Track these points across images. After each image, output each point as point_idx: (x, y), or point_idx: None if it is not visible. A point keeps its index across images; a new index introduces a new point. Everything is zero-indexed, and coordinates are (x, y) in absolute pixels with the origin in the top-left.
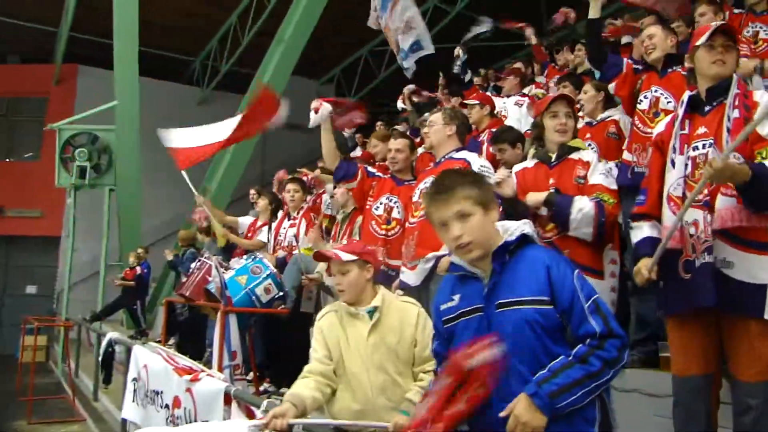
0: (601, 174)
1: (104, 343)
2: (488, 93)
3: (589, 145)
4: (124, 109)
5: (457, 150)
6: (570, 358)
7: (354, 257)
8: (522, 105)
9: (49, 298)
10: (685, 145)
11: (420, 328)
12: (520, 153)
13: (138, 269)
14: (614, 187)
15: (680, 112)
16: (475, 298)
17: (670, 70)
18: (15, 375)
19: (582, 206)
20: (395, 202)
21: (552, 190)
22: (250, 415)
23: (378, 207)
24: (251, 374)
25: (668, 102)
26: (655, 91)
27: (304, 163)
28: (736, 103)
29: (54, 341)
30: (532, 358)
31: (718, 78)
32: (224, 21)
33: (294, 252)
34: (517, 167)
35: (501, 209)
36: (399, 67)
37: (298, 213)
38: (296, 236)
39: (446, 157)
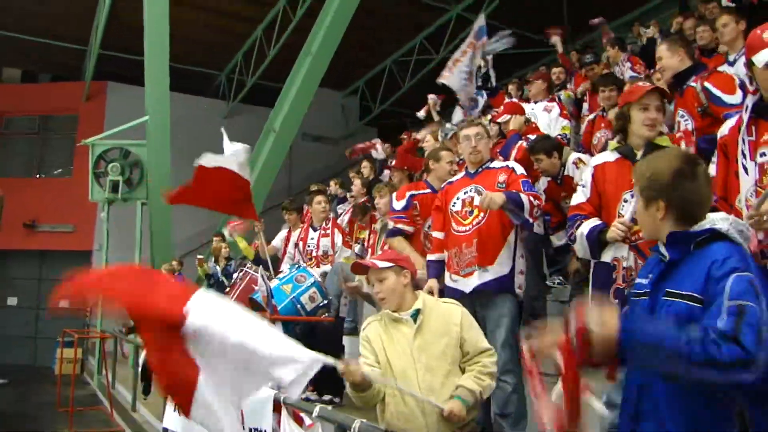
0: None
1: (143, 354)
2: (514, 100)
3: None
4: (155, 123)
5: (491, 160)
6: (682, 332)
7: (390, 264)
8: (551, 111)
9: (81, 312)
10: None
11: (466, 327)
12: (558, 162)
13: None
14: None
15: (745, 117)
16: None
17: (684, 86)
18: (51, 387)
19: None
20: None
21: None
22: (299, 422)
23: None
24: None
25: (686, 122)
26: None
27: (330, 175)
28: None
29: (88, 354)
30: None
31: None
32: (249, 35)
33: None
34: (595, 160)
35: None
36: (423, 77)
37: (326, 223)
38: (332, 245)
39: (484, 167)
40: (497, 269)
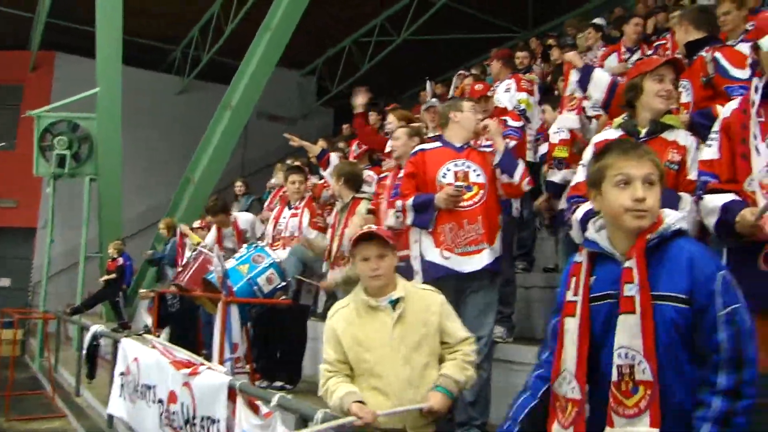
0: None
1: (89, 336)
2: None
3: None
4: (105, 96)
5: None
6: (708, 424)
7: (391, 242)
8: (510, 89)
9: (23, 291)
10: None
11: (445, 316)
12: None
13: (120, 260)
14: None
15: (756, 99)
16: (607, 284)
17: (695, 56)
18: None
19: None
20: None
21: None
22: (255, 410)
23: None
24: (247, 367)
25: (688, 93)
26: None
27: (286, 154)
28: None
29: (29, 335)
30: (672, 361)
31: None
32: (206, 9)
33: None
34: (597, 137)
35: None
36: (382, 59)
37: (300, 203)
38: (299, 226)
39: (468, 144)
40: (497, 249)
